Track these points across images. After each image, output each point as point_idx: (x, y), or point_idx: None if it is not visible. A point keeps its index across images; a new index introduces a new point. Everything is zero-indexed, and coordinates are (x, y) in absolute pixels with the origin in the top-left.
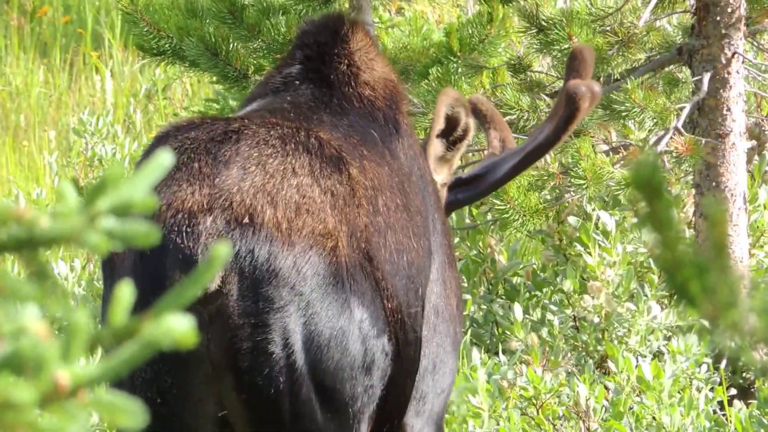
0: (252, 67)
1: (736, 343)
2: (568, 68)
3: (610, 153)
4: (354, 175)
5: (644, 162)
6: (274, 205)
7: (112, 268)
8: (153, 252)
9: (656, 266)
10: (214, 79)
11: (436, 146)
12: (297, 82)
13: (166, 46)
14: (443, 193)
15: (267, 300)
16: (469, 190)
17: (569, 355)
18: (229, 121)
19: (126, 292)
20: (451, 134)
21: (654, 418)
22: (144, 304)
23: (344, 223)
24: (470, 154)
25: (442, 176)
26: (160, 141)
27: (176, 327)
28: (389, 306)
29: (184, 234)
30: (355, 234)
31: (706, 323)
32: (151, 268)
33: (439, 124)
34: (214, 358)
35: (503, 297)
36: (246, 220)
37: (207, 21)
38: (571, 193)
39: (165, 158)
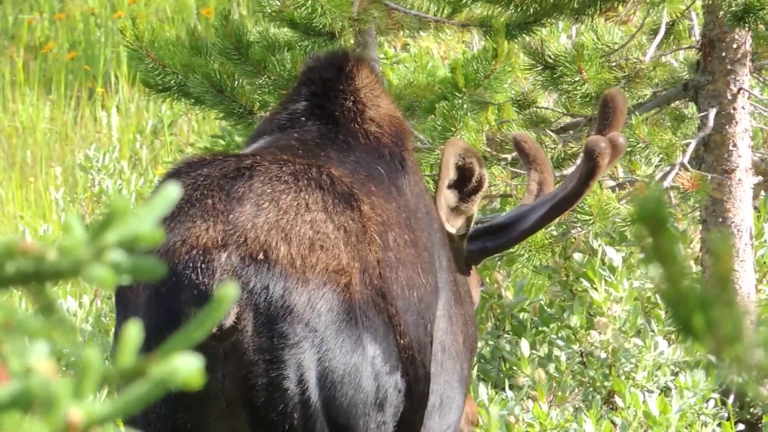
0: (257, 103)
1: (742, 377)
2: (601, 114)
3: (617, 189)
4: (365, 211)
5: (649, 197)
6: (288, 241)
7: (125, 305)
8: (168, 288)
9: (662, 301)
10: (220, 115)
11: (448, 197)
12: (303, 119)
13: (172, 82)
14: (462, 246)
15: (282, 336)
16: (498, 238)
17: (576, 390)
18: (241, 157)
19: (134, 331)
20: (465, 185)
21: None
22: (159, 340)
23: (357, 259)
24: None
25: (458, 227)
26: (171, 177)
27: (184, 367)
28: (402, 342)
29: (199, 270)
30: (367, 270)
31: (713, 358)
32: (166, 304)
33: (450, 175)
34: (229, 394)
35: (510, 333)
36: (261, 256)
37: (212, 57)
38: (578, 228)
39: (172, 191)
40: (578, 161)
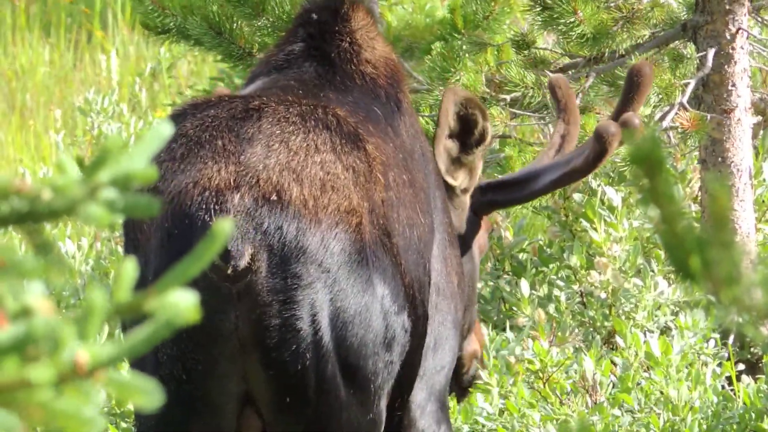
0: (256, 45)
1: (741, 318)
2: (627, 86)
3: None
4: (370, 151)
5: (645, 138)
6: (300, 182)
7: (135, 247)
8: (181, 230)
9: (660, 242)
10: (219, 57)
11: (449, 147)
12: (300, 60)
13: (171, 24)
14: (465, 200)
15: (295, 277)
16: (509, 194)
17: (576, 330)
18: (248, 99)
19: (130, 268)
20: (467, 137)
21: (662, 393)
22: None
23: (366, 199)
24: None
25: (460, 180)
26: (176, 119)
27: (180, 302)
28: (406, 281)
29: (212, 211)
30: (374, 210)
31: (712, 298)
32: (180, 246)
33: (450, 124)
34: (242, 335)
35: (510, 273)
36: (274, 197)
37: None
38: None
39: (164, 129)
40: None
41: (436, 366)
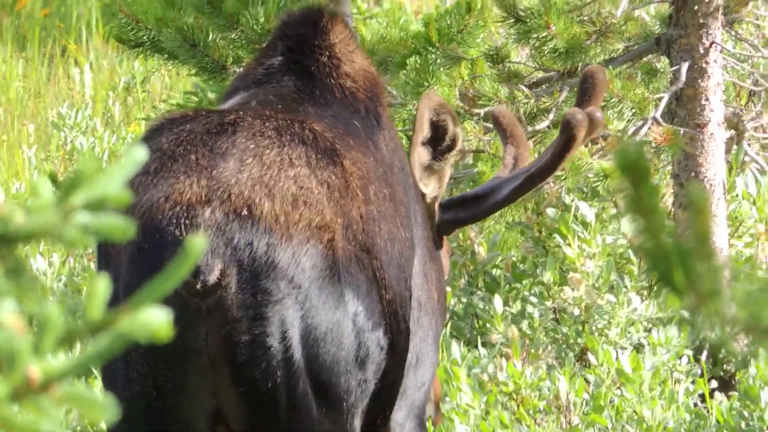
0: (231, 58)
1: (717, 333)
2: (580, 90)
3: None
4: (347, 166)
5: (629, 147)
6: (272, 197)
7: (107, 261)
8: (151, 244)
9: (638, 254)
10: (193, 71)
11: (422, 154)
12: (279, 74)
13: (145, 37)
14: (434, 209)
15: (265, 292)
16: (471, 209)
17: (549, 347)
18: (224, 113)
19: (102, 286)
20: (438, 143)
21: (635, 411)
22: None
23: (340, 215)
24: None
25: (431, 188)
26: (153, 133)
27: (152, 320)
28: (386, 297)
29: (182, 226)
30: (351, 226)
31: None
32: (150, 261)
33: (424, 131)
34: (212, 351)
35: (483, 289)
36: (245, 212)
37: (185, 12)
38: (550, 184)
39: (139, 153)
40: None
41: (416, 383)
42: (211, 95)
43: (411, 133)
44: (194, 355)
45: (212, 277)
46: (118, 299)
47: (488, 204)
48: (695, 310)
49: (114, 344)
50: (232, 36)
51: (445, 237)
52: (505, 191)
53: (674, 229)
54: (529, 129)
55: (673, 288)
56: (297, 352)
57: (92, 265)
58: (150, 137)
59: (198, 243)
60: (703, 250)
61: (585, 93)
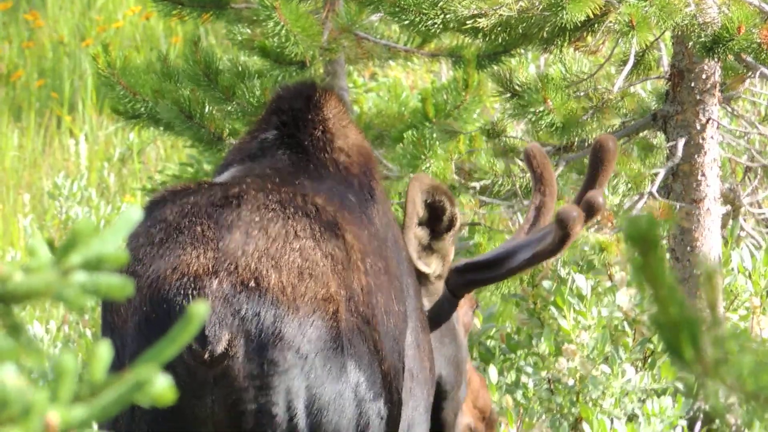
0: (226, 130)
1: (721, 402)
2: (591, 161)
3: None
4: (348, 239)
5: (640, 216)
6: (279, 269)
7: (111, 330)
8: (159, 315)
9: (634, 326)
10: (189, 142)
11: (420, 235)
12: (274, 148)
13: (141, 109)
14: (439, 286)
15: (272, 363)
16: (485, 273)
17: (544, 417)
18: (227, 186)
19: (104, 349)
20: (436, 224)
21: None
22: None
23: (343, 287)
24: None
25: (433, 267)
26: (156, 205)
27: (155, 383)
28: (383, 368)
29: (190, 297)
30: (353, 297)
31: (680, 386)
32: (157, 330)
33: (418, 212)
34: (218, 420)
35: (478, 359)
36: (252, 283)
37: (182, 84)
38: None
39: (133, 213)
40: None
41: None
42: (207, 166)
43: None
44: (200, 424)
45: (220, 347)
46: (123, 368)
47: (503, 269)
48: (701, 379)
49: (129, 394)
50: (228, 108)
51: (467, 294)
52: (517, 260)
53: (683, 299)
54: (525, 203)
55: (680, 356)
56: (302, 421)
57: (88, 332)
58: (153, 209)
59: (201, 309)
60: (712, 321)
61: (595, 165)
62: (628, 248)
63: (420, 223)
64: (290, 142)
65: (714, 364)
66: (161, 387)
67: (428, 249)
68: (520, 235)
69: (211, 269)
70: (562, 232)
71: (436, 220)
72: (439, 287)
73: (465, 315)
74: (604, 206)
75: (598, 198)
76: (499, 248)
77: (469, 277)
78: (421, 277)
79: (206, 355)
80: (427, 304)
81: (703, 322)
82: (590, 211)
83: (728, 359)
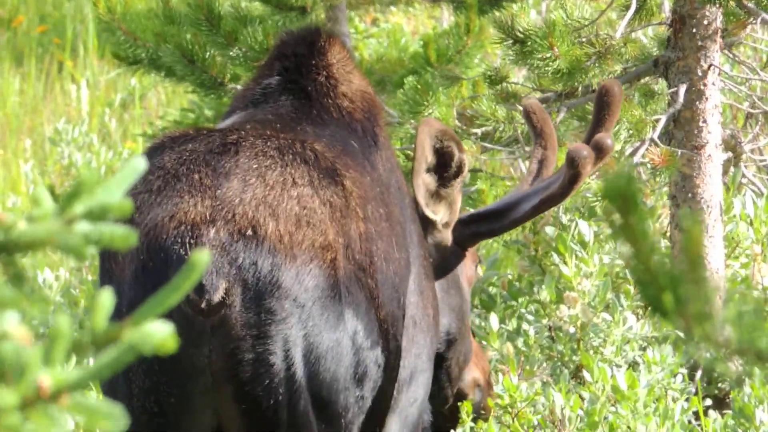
0: (228, 74)
1: (710, 354)
2: (596, 106)
3: None
4: (348, 186)
5: (619, 173)
6: (276, 217)
7: (110, 277)
8: (156, 263)
9: (631, 277)
10: (190, 88)
11: (428, 181)
12: (276, 94)
13: (142, 54)
14: (446, 234)
15: (269, 311)
16: (490, 224)
17: (545, 364)
18: (226, 133)
19: (107, 298)
20: (444, 170)
21: (629, 427)
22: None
23: (342, 234)
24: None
25: (441, 214)
26: (155, 152)
27: (156, 333)
28: (380, 316)
29: (187, 245)
30: (350, 245)
31: (681, 333)
32: (155, 278)
33: (427, 157)
34: (215, 369)
35: (479, 307)
36: (249, 232)
37: (184, 28)
38: None
39: (139, 163)
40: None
41: (409, 398)
42: (208, 112)
43: (410, 153)
44: (197, 373)
45: (217, 296)
46: (122, 316)
47: (508, 220)
48: (686, 333)
49: (123, 356)
50: (230, 53)
51: (470, 248)
52: (522, 209)
53: (666, 253)
54: (526, 149)
55: (662, 311)
56: (299, 369)
57: (89, 278)
58: (151, 155)
59: (202, 259)
60: (695, 273)
61: (601, 110)
62: (606, 206)
63: (428, 169)
64: (293, 87)
65: (696, 319)
66: (162, 336)
67: (436, 196)
68: (524, 187)
69: (208, 218)
70: (573, 171)
71: (444, 166)
72: (446, 235)
73: (468, 269)
74: (613, 148)
75: (606, 139)
76: (503, 199)
77: (474, 228)
78: (428, 225)
79: (203, 304)
80: (435, 252)
81: (686, 276)
82: (600, 152)
83: (712, 312)
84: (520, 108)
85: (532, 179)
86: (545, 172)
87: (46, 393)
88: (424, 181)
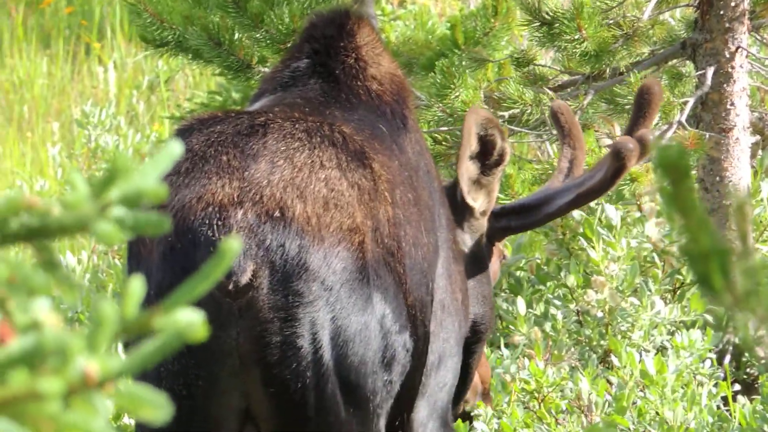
0: (255, 57)
1: (751, 333)
2: (636, 104)
3: None
4: (376, 169)
5: (670, 145)
6: (304, 199)
7: (137, 260)
8: (183, 245)
9: (663, 257)
10: (217, 70)
11: (470, 168)
12: (305, 77)
13: (169, 37)
14: (483, 222)
15: (297, 294)
16: (523, 218)
17: (572, 349)
18: (254, 115)
19: (138, 284)
20: (486, 158)
21: (657, 413)
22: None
23: (370, 217)
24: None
25: (479, 202)
26: (183, 134)
27: (187, 321)
28: (408, 300)
29: (215, 227)
30: (379, 228)
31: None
32: (182, 261)
33: (472, 145)
34: (243, 352)
35: (507, 291)
36: (277, 213)
37: (211, 11)
38: None
39: (175, 148)
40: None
41: (438, 383)
42: (236, 95)
43: (437, 136)
44: (225, 356)
45: (244, 278)
46: (149, 298)
47: (541, 215)
48: (731, 310)
49: (168, 344)
50: (257, 35)
51: (497, 243)
52: (556, 204)
53: (713, 229)
54: (554, 132)
55: (710, 287)
56: (327, 353)
57: (117, 262)
58: (180, 137)
59: (233, 245)
60: (742, 251)
61: (641, 108)
62: (658, 177)
63: (471, 157)
64: (322, 70)
65: (745, 295)
66: (194, 324)
67: (477, 183)
68: (554, 184)
69: (236, 199)
70: (618, 163)
71: (487, 154)
72: (483, 224)
73: (494, 263)
74: (652, 141)
75: (649, 136)
76: (535, 194)
77: (505, 222)
78: (466, 212)
79: (231, 286)
80: (470, 240)
81: (734, 252)
82: (643, 148)
83: (759, 290)
84: (548, 90)
85: (563, 177)
86: (575, 171)
87: (94, 381)
88: (467, 168)
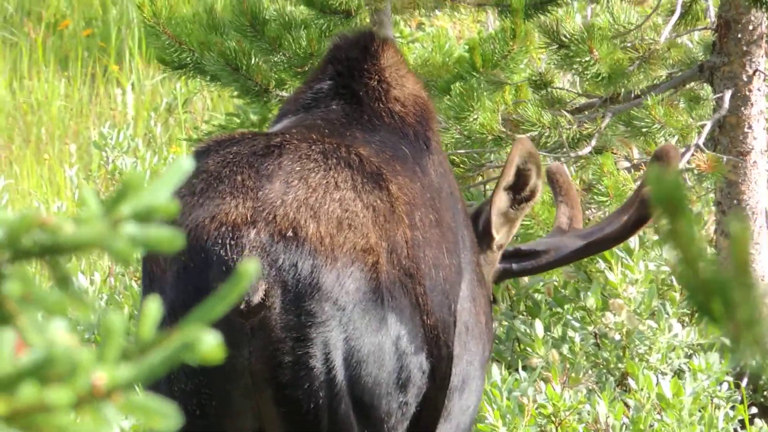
0: (273, 81)
1: (757, 361)
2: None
3: (632, 170)
4: (393, 191)
5: (666, 178)
6: (317, 219)
7: (151, 279)
8: (196, 264)
9: (678, 283)
10: (235, 93)
11: (502, 200)
12: (328, 98)
13: (188, 59)
14: (497, 256)
15: (309, 314)
16: (525, 262)
17: (590, 372)
18: (270, 136)
19: (155, 305)
20: (518, 192)
21: None
22: (186, 316)
23: (385, 239)
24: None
25: (501, 235)
26: (200, 155)
27: (203, 342)
28: (428, 322)
29: (228, 246)
30: (395, 250)
31: (727, 341)
32: (195, 280)
33: (509, 176)
34: (255, 372)
35: (525, 313)
36: (290, 233)
37: (228, 35)
38: (593, 209)
39: (185, 164)
40: (625, 202)
41: (462, 406)
42: (254, 117)
43: (455, 158)
44: (237, 375)
45: (257, 298)
46: (163, 317)
47: (545, 261)
48: (734, 339)
49: (176, 356)
50: (275, 59)
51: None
52: (564, 251)
53: (714, 258)
54: (572, 155)
55: (711, 317)
56: (340, 373)
57: (134, 284)
58: (197, 158)
59: (251, 267)
60: (742, 279)
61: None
62: (655, 210)
63: (505, 188)
64: (345, 92)
65: (746, 324)
66: (210, 346)
67: (504, 216)
68: (556, 236)
69: (249, 219)
70: (645, 212)
71: (519, 188)
72: (497, 257)
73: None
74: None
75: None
76: (540, 241)
77: (506, 263)
78: (484, 243)
79: (243, 306)
80: (483, 271)
81: (735, 280)
82: (642, 207)
83: (760, 319)
84: (566, 113)
85: (563, 231)
86: (576, 227)
87: (101, 391)
88: (500, 198)
